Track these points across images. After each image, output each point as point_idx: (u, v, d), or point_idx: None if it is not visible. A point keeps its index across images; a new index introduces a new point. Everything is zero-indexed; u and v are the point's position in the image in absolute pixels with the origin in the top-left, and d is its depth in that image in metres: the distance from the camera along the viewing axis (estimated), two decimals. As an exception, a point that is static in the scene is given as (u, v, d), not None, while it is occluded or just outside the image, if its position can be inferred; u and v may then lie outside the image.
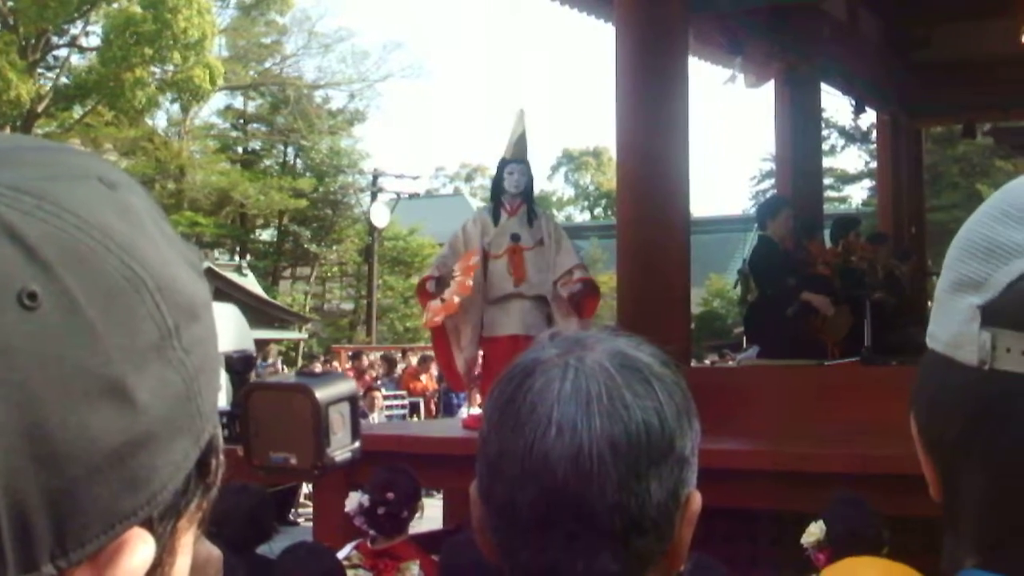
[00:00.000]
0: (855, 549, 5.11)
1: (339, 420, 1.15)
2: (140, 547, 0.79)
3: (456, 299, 9.93)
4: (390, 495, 6.78)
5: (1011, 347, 1.02)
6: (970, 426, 1.05)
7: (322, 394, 1.13)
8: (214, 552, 0.99)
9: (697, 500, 1.59)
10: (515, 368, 1.60)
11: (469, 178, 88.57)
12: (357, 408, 1.18)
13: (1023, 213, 1.06)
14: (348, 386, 1.16)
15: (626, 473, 1.49)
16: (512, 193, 10.33)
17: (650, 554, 1.53)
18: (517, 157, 10.35)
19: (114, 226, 0.80)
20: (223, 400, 1.13)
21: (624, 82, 10.71)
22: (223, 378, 1.18)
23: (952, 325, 1.09)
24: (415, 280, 50.82)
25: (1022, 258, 1.04)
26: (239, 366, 1.21)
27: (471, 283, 9.95)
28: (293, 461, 1.11)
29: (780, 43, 14.04)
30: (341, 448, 1.15)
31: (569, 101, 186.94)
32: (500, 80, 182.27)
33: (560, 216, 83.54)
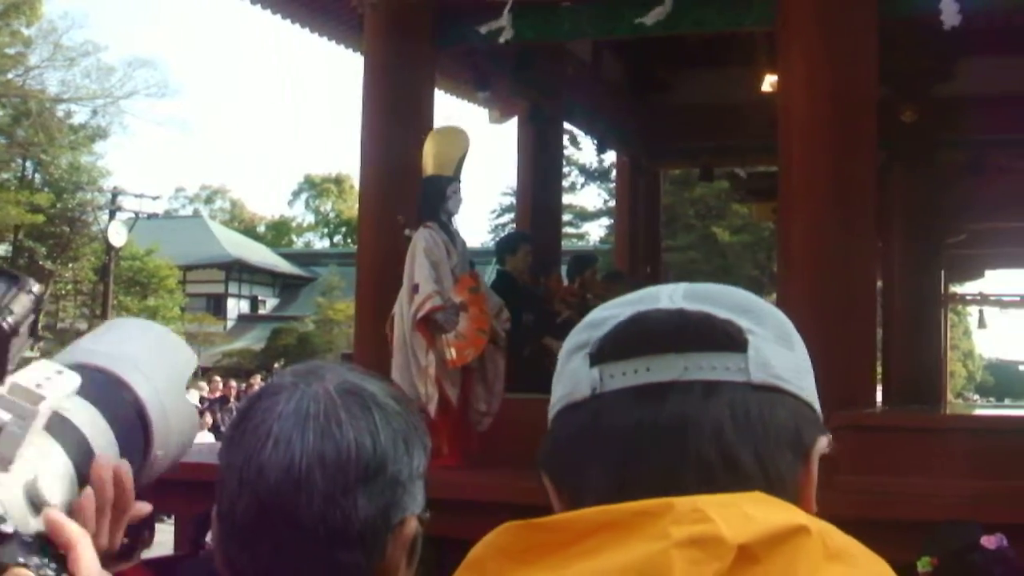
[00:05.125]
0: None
1: None
2: None
3: (483, 336, 9.42)
4: (110, 521, 6.65)
5: (614, 373, 1.27)
6: (584, 436, 1.28)
7: None
8: None
9: (412, 526, 1.67)
10: (254, 392, 1.72)
11: (209, 200, 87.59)
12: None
13: (615, 306, 1.34)
14: None
15: (333, 486, 1.59)
16: (452, 214, 9.80)
17: (356, 568, 1.61)
18: (459, 176, 9.77)
19: None
20: None
21: (369, 111, 10.77)
22: None
23: (570, 380, 1.31)
24: (152, 301, 50.14)
25: (614, 320, 1.31)
26: None
27: (489, 315, 9.55)
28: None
29: (525, 81, 14.20)
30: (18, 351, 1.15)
31: (312, 126, 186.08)
32: (243, 103, 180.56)
33: (299, 243, 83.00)
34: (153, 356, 1.36)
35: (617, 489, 1.22)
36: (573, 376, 1.30)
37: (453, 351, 9.28)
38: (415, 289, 9.35)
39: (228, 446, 1.65)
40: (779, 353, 1.29)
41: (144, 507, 1.26)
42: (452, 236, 9.68)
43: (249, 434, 1.62)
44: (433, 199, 9.67)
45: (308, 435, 1.60)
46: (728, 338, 1.26)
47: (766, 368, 1.27)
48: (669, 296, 1.31)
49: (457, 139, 9.91)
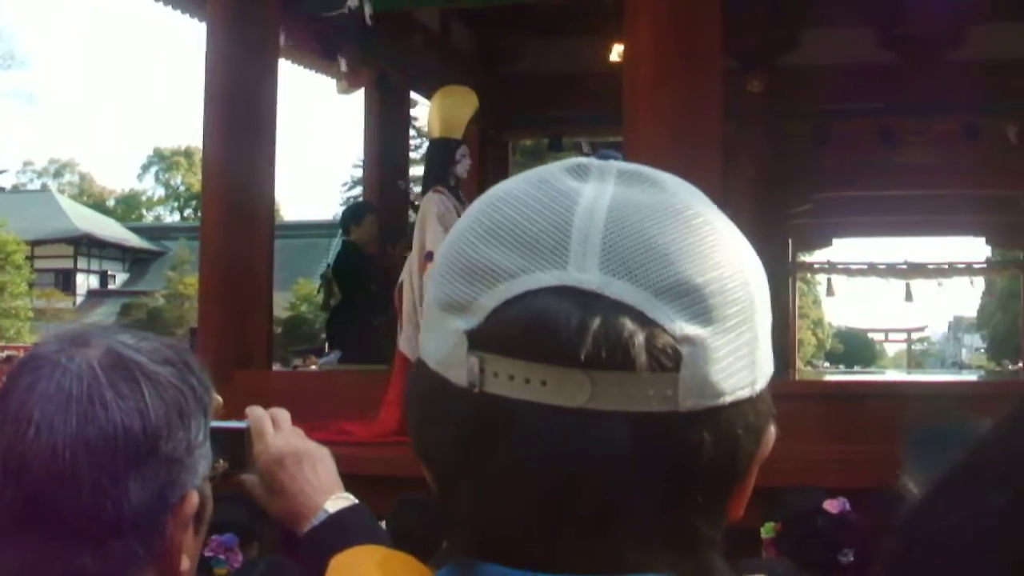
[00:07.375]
0: (415, 548, 5.14)
1: None
2: None
3: None
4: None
5: (498, 371, 1.01)
6: (462, 446, 1.04)
7: None
8: None
9: (193, 501, 1.58)
10: (17, 363, 1.60)
11: (58, 174, 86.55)
12: None
13: (505, 232, 1.05)
14: None
15: (100, 475, 1.49)
16: (461, 178, 9.44)
17: (132, 556, 1.53)
18: (466, 139, 9.41)
19: None
20: None
21: (213, 82, 10.62)
22: None
23: (443, 346, 1.06)
24: (-2, 277, 49.31)
25: (505, 283, 1.02)
26: None
27: None
28: None
29: (372, 50, 14.12)
30: None
31: (161, 98, 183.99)
32: (91, 74, 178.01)
33: (150, 216, 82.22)
34: None
35: (486, 520, 1.03)
36: (448, 346, 1.05)
37: None
38: (428, 257, 8.85)
39: None
40: (729, 352, 1.03)
41: None
42: (461, 200, 9.25)
43: (11, 416, 1.51)
44: (441, 162, 9.37)
45: (71, 419, 1.49)
46: (651, 357, 0.99)
47: (701, 390, 1.01)
48: (582, 246, 1.01)
49: (465, 99, 9.70)
